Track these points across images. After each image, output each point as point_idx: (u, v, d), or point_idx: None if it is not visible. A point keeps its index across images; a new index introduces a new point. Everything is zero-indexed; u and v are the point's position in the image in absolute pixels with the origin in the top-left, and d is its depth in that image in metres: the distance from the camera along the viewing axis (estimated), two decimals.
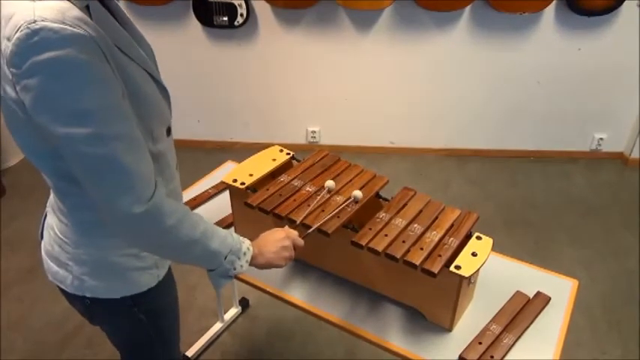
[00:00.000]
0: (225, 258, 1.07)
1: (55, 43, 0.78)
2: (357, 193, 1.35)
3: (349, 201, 1.34)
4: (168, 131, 1.11)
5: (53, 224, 1.12)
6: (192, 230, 1.00)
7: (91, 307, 1.15)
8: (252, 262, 1.14)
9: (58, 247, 1.11)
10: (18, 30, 0.79)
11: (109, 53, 0.87)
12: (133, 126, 0.90)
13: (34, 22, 0.79)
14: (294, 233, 1.21)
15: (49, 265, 1.15)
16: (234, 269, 1.09)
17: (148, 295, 1.16)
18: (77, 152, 0.85)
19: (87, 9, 0.88)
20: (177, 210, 0.97)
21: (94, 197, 0.91)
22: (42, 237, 1.19)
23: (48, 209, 1.16)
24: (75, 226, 1.07)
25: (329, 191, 1.38)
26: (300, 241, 1.21)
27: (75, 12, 0.83)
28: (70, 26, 0.80)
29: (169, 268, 1.24)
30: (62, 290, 1.16)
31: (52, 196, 1.12)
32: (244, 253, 1.10)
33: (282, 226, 1.24)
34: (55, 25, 0.79)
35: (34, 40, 0.78)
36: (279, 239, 1.18)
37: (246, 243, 1.12)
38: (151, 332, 1.23)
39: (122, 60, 0.92)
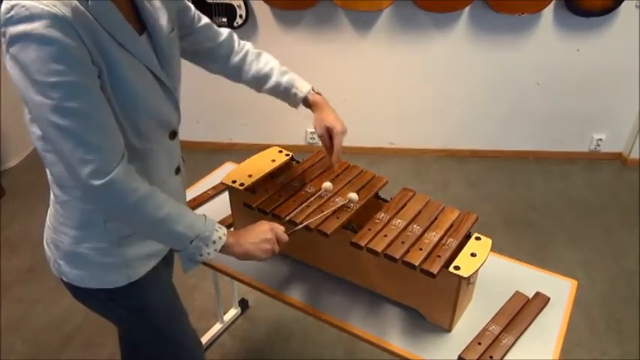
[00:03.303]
0: (191, 242, 1.07)
1: (26, 18, 0.85)
2: (353, 196, 1.34)
3: (346, 202, 1.34)
4: (173, 135, 1.12)
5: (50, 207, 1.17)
6: (155, 210, 1.02)
7: (72, 291, 1.20)
8: (228, 252, 1.14)
9: (47, 228, 1.18)
10: (1, 5, 0.87)
11: (91, 38, 0.90)
12: (100, 104, 0.94)
13: None
14: (280, 228, 1.21)
15: (44, 245, 1.21)
16: (201, 255, 1.09)
17: (122, 293, 1.17)
18: (44, 119, 0.90)
19: None
20: (139, 188, 0.99)
21: (62, 163, 0.96)
22: None
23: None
24: (56, 212, 1.12)
25: (327, 192, 1.38)
26: (285, 237, 1.20)
27: None
28: (44, 5, 0.85)
29: (164, 267, 1.24)
30: None
31: None
32: (214, 242, 1.10)
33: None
34: (27, 3, 0.85)
35: (10, 14, 0.86)
36: (261, 231, 1.18)
37: (219, 232, 1.12)
38: (141, 328, 1.24)
39: (112, 49, 0.94)
